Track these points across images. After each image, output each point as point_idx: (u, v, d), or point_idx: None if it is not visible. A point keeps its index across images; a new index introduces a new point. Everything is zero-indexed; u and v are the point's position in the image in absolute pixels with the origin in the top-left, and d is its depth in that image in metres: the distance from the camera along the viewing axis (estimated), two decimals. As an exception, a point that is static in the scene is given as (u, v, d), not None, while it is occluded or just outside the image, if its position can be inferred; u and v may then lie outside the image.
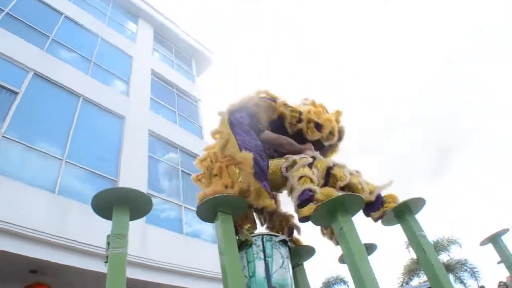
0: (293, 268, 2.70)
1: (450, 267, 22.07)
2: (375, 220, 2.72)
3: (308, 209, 2.33)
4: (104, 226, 2.20)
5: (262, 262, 2.36)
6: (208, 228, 8.87)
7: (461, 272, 21.98)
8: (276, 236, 2.53)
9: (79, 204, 6.64)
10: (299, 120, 2.99)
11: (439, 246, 22.39)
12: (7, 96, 7.09)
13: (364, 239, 2.28)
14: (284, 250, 2.49)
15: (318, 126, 3.00)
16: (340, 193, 2.40)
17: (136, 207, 2.22)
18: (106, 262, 1.94)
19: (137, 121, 9.42)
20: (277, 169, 2.65)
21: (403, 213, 2.61)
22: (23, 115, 7.09)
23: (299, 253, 2.75)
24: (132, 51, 11.82)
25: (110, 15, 12.45)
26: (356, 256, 2.10)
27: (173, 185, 9.27)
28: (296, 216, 2.57)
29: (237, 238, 2.40)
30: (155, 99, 11.17)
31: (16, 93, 7.25)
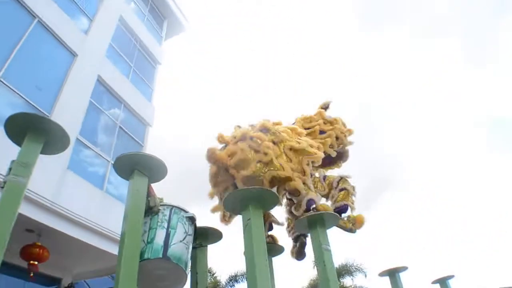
0: (195, 247, 2.70)
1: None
2: (294, 220, 2.79)
3: None
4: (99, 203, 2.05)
5: (164, 231, 2.32)
6: (129, 192, 8.62)
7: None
8: (186, 212, 2.50)
9: None
10: None
11: (346, 270, 23.42)
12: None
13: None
14: (189, 227, 2.46)
15: None
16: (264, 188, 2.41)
17: (52, 141, 2.10)
18: (2, 187, 1.80)
19: (89, 63, 8.90)
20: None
21: (315, 223, 2.66)
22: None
23: (205, 235, 2.72)
24: (106, -10, 11.17)
25: None
26: (256, 250, 2.11)
27: (106, 139, 8.90)
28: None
29: (147, 201, 2.34)
30: (115, 47, 10.62)
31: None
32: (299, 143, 2.87)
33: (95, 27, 9.93)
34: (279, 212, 3.19)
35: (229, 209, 2.36)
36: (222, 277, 23.61)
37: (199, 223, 2.63)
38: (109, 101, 9.35)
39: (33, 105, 7.20)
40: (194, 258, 2.70)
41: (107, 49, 10.09)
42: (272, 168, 2.76)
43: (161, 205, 2.44)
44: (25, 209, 6.17)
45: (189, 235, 2.43)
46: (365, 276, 23.35)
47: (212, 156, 2.81)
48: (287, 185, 2.77)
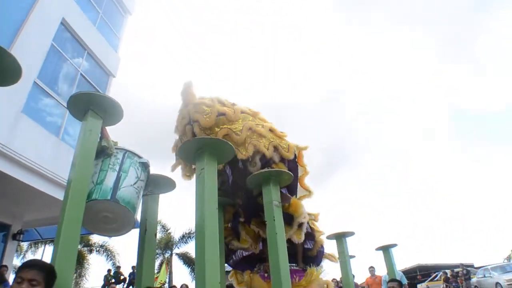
0: (146, 194, 2.68)
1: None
2: (251, 169, 2.82)
3: None
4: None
5: (115, 174, 2.28)
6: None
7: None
8: (140, 157, 2.46)
9: None
10: None
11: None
12: None
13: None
14: (142, 173, 2.43)
15: None
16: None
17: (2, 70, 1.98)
18: None
19: (54, 3, 8.32)
20: None
21: (269, 180, 2.70)
22: None
23: (158, 183, 2.70)
24: None
25: None
26: (207, 201, 2.12)
27: (66, 86, 8.48)
28: None
29: (99, 143, 2.29)
30: (83, -10, 9.95)
31: None
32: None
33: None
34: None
35: (183, 158, 2.35)
36: (176, 234, 23.86)
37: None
38: (72, 46, 8.82)
39: (-12, 41, 6.73)
40: (145, 205, 2.70)
41: (75, -8, 9.45)
42: (231, 127, 2.82)
43: (115, 148, 2.39)
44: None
45: (141, 180, 2.41)
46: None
47: (186, 91, 2.93)
48: (243, 148, 2.81)
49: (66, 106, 7.96)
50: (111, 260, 21.52)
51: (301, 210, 2.90)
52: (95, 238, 22.05)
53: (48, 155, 7.32)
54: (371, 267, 10.49)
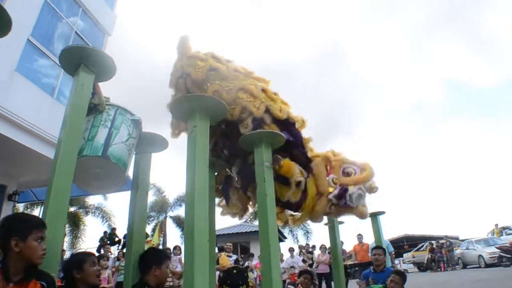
0: (139, 153, 2.68)
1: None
2: (242, 130, 2.80)
3: None
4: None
5: (107, 130, 2.27)
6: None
7: (297, 229, 24.61)
8: (132, 114, 2.45)
9: None
10: None
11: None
12: None
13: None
14: (134, 130, 2.42)
15: None
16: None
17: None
18: None
19: (47, -44, 8.03)
20: None
21: (261, 141, 2.69)
22: None
23: (151, 141, 2.69)
24: None
25: None
26: (198, 159, 2.12)
27: (60, 44, 8.26)
28: None
29: (90, 99, 2.26)
30: None
31: None
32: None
33: None
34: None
35: (176, 115, 2.33)
36: (171, 197, 24.12)
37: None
38: (67, 3, 8.55)
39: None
40: (137, 163, 2.70)
41: None
42: (222, 84, 2.79)
43: (107, 104, 2.37)
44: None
45: (132, 137, 2.40)
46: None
47: (182, 45, 2.90)
48: (232, 108, 2.78)
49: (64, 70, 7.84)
50: (106, 222, 21.85)
51: (293, 170, 2.86)
52: (91, 200, 22.31)
53: (43, 115, 7.25)
54: (359, 234, 10.71)
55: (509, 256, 13.28)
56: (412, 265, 22.39)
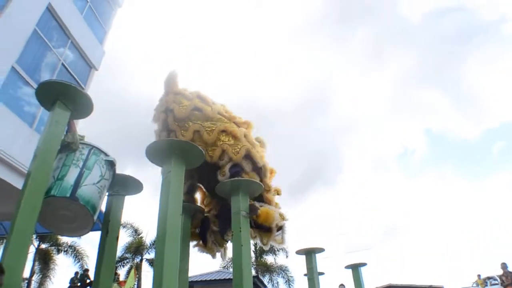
0: (112, 195, 2.57)
1: (270, 269, 23.97)
2: (220, 178, 2.73)
3: None
4: None
5: (78, 170, 2.17)
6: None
7: (278, 277, 24.03)
8: (106, 155, 2.35)
9: None
10: None
11: (270, 249, 24.11)
12: None
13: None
14: (106, 171, 2.32)
15: None
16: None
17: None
18: None
19: (41, -12, 8.09)
20: None
21: (238, 189, 2.61)
22: None
23: (125, 184, 2.59)
24: None
25: None
26: (170, 205, 2.03)
27: (45, 75, 8.20)
28: None
29: (64, 137, 2.17)
30: (73, -22, 9.72)
31: None
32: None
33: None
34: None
35: (151, 159, 2.25)
36: (148, 239, 23.36)
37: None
38: (57, 34, 8.55)
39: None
40: (109, 205, 2.58)
41: (64, -22, 9.20)
42: (204, 124, 2.76)
43: (81, 143, 2.28)
44: None
45: (105, 179, 2.29)
46: (287, 256, 24.21)
47: (169, 80, 2.91)
48: (212, 150, 2.72)
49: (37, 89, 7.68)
50: (79, 261, 20.84)
51: (271, 217, 2.79)
52: (65, 238, 21.40)
53: (19, 145, 7.04)
54: (341, 284, 10.49)
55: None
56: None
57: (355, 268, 4.71)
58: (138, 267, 21.09)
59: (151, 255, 22.49)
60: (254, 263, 23.15)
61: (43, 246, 20.94)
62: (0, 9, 6.99)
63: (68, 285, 12.46)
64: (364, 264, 4.81)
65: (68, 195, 2.06)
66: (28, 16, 7.66)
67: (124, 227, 22.26)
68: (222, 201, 3.01)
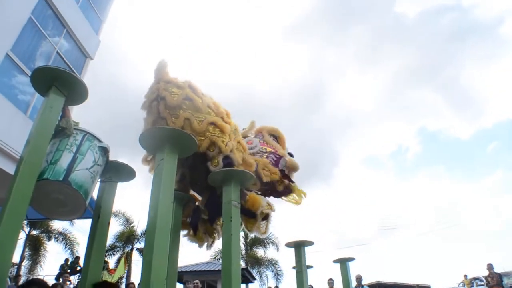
0: (104, 181, 2.60)
1: (260, 262, 24.13)
2: (212, 168, 2.76)
3: None
4: None
5: (71, 155, 2.19)
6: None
7: (267, 270, 24.19)
8: (100, 141, 2.38)
9: None
10: None
11: (260, 241, 24.29)
12: None
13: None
14: (100, 157, 2.35)
15: None
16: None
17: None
18: None
19: (38, -24, 8.05)
20: None
21: (231, 179, 2.65)
22: None
23: (118, 171, 2.61)
24: None
25: None
26: (162, 194, 2.05)
27: (40, 62, 8.15)
28: None
29: (58, 122, 2.20)
30: (70, -34, 9.66)
31: None
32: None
33: None
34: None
35: (144, 147, 2.28)
36: (139, 228, 23.41)
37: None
38: (51, 22, 8.52)
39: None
40: (101, 191, 2.60)
41: (60, -34, 9.15)
42: (194, 114, 2.78)
43: (75, 129, 2.30)
44: None
45: (98, 165, 2.32)
46: (277, 249, 24.38)
47: (160, 69, 2.90)
48: (200, 140, 2.76)
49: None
50: (69, 249, 20.87)
51: (258, 203, 2.88)
52: (56, 225, 21.39)
53: (13, 132, 7.05)
54: (330, 279, 10.55)
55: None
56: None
57: (343, 263, 4.76)
58: (128, 256, 21.14)
59: (141, 244, 22.58)
60: (244, 255, 23.27)
61: (34, 232, 20.89)
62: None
63: (58, 271, 12.47)
64: (352, 259, 4.86)
65: (61, 179, 2.09)
66: (24, 4, 7.62)
67: (115, 216, 22.33)
68: (211, 190, 3.05)
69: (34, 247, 20.66)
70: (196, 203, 3.27)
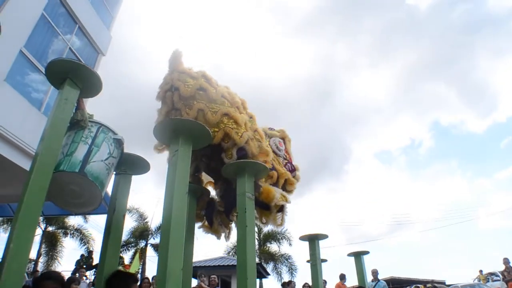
0: (119, 173, 2.60)
1: (274, 257, 24.19)
2: (226, 160, 2.75)
3: None
4: None
5: (87, 147, 2.20)
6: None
7: (281, 265, 24.24)
8: (115, 133, 2.39)
9: None
10: None
11: (273, 236, 24.35)
12: None
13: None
14: (115, 149, 2.36)
15: None
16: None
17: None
18: None
19: (49, -28, 8.10)
20: None
21: (244, 170, 2.64)
22: None
23: (132, 163, 2.62)
24: None
25: None
26: (177, 185, 2.05)
27: (52, 58, 8.24)
28: None
29: (73, 114, 2.21)
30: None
31: None
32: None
33: None
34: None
35: (158, 138, 2.28)
36: (153, 224, 23.61)
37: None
38: (64, 19, 8.59)
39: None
40: (116, 184, 2.61)
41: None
42: (209, 105, 2.76)
43: (90, 121, 2.31)
44: None
45: (113, 157, 2.33)
46: (290, 245, 24.40)
47: (174, 59, 2.88)
48: (214, 131, 2.74)
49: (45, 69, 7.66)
50: (85, 245, 21.16)
51: (272, 195, 2.85)
52: (71, 221, 21.68)
53: (28, 128, 7.12)
54: (342, 274, 10.53)
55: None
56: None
57: (358, 256, 4.74)
58: (142, 252, 21.35)
59: (156, 240, 22.76)
60: (258, 251, 23.35)
61: (50, 229, 21.20)
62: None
63: (74, 267, 12.64)
64: (366, 253, 4.83)
65: (76, 170, 2.10)
66: (36, 0, 7.67)
67: (129, 211, 22.54)
68: (226, 182, 3.05)
69: (51, 243, 20.99)
70: (210, 196, 3.27)
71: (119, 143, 2.39)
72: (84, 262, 12.78)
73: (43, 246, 20.73)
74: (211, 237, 3.33)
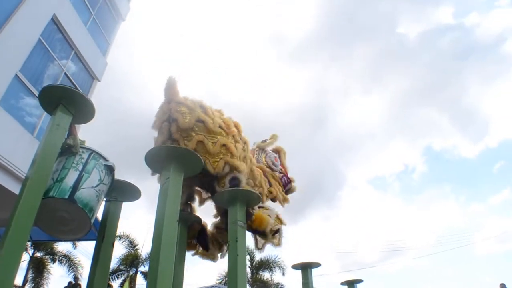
0: (109, 200, 2.58)
1: (267, 285, 23.72)
2: (218, 189, 2.75)
3: None
4: None
5: (77, 173, 2.19)
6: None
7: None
8: (106, 160, 2.37)
9: None
10: None
11: (266, 265, 23.97)
12: None
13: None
14: (105, 176, 2.34)
15: None
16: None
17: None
18: None
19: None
20: None
21: (236, 199, 2.62)
22: None
23: (123, 190, 2.60)
24: None
25: None
26: (167, 213, 2.03)
27: (47, 83, 8.28)
28: None
29: (65, 140, 2.20)
30: (78, -9, 9.89)
31: None
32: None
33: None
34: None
35: (150, 165, 2.27)
36: (144, 251, 23.16)
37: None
38: (60, 44, 8.69)
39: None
40: (106, 211, 2.58)
41: (69, -11, 9.35)
42: (207, 135, 2.77)
43: (81, 147, 2.31)
44: None
45: (103, 183, 2.31)
46: (283, 274, 24.00)
47: (170, 87, 2.84)
48: (215, 161, 2.74)
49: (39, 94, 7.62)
50: (73, 272, 20.64)
51: (266, 222, 2.88)
52: (60, 247, 21.23)
53: (19, 152, 7.08)
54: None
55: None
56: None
57: (351, 285, 4.65)
58: (132, 280, 20.84)
59: (145, 267, 22.25)
60: (250, 280, 22.92)
61: (38, 254, 20.71)
62: (7, 18, 7.08)
63: (60, 295, 12.32)
64: (360, 281, 4.74)
65: (66, 196, 2.07)
66: (34, 25, 7.76)
67: (120, 238, 22.14)
68: (223, 212, 3.06)
69: (38, 269, 20.46)
70: (202, 223, 3.24)
71: (110, 169, 2.38)
72: (70, 290, 12.47)
73: (30, 272, 20.20)
74: (203, 265, 3.31)
